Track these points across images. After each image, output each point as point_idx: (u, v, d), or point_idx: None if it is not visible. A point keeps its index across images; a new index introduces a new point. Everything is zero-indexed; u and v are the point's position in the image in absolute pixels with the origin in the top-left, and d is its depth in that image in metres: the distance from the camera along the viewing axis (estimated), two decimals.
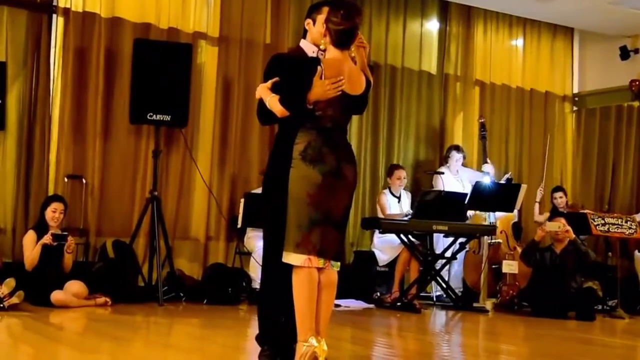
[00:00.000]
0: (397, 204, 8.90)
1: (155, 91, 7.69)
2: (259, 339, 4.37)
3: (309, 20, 4.38)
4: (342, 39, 4.17)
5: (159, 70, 7.70)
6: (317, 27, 4.31)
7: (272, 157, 4.32)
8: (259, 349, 4.32)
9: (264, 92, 4.16)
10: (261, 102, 4.20)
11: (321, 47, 4.22)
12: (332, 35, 4.17)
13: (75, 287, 7.00)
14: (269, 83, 4.17)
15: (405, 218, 8.57)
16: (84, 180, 8.06)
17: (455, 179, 9.30)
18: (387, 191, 9.02)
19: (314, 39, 4.35)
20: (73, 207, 7.95)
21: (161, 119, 7.74)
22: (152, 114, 7.69)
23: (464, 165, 9.56)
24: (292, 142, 4.10)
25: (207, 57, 8.76)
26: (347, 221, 4.31)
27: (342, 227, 4.22)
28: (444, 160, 9.57)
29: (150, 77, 7.69)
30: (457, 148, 9.51)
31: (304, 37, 4.45)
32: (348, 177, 4.16)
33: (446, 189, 8.80)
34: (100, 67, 8.12)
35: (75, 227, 7.93)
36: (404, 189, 9.03)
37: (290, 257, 4.03)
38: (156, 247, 7.62)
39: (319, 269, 4.06)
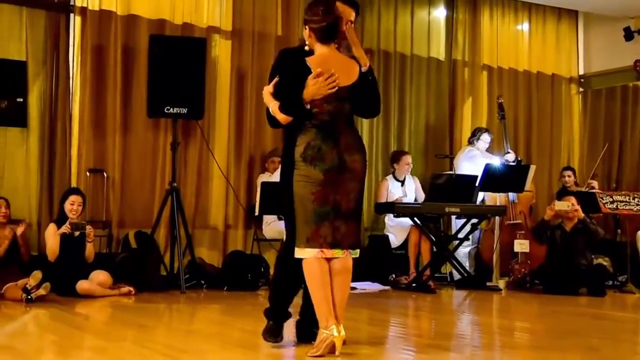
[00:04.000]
0: (399, 187, 9.03)
1: (171, 85, 7.81)
2: (267, 312, 4.60)
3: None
4: (328, 34, 4.27)
5: (175, 64, 7.82)
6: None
7: (283, 161, 4.47)
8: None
9: (267, 99, 4.29)
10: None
11: (306, 48, 4.34)
12: (317, 34, 4.28)
13: (100, 276, 7.13)
14: (271, 87, 4.29)
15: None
16: (105, 174, 8.22)
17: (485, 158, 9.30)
18: (390, 177, 9.16)
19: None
20: (95, 200, 8.15)
21: (178, 112, 7.87)
22: (169, 107, 7.82)
23: (488, 150, 9.60)
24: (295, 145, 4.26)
25: (221, 51, 8.90)
26: (361, 207, 4.41)
27: (356, 216, 4.30)
28: (470, 141, 9.59)
29: (166, 71, 7.81)
30: (488, 131, 9.59)
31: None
32: (354, 168, 4.24)
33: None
34: (118, 64, 8.27)
35: (98, 220, 8.10)
36: (410, 173, 9.18)
37: (302, 252, 4.19)
38: (177, 237, 7.77)
39: (333, 258, 4.21)
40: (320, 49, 4.30)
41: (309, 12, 4.30)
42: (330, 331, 4.08)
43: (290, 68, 4.30)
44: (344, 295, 4.24)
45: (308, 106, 4.21)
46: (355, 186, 4.26)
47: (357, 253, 4.29)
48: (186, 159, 8.59)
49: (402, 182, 9.07)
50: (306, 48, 4.35)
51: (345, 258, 4.23)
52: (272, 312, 4.60)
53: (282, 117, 4.23)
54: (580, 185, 9.95)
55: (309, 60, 4.25)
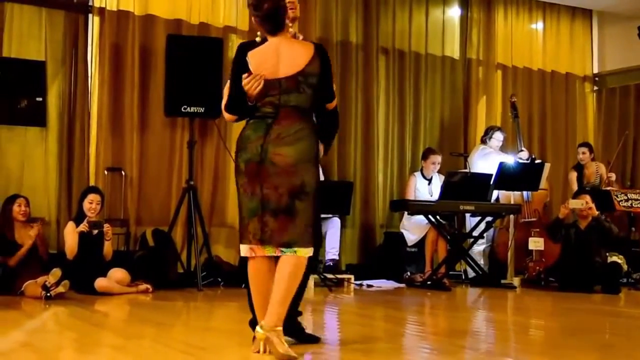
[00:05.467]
0: (426, 186, 9.05)
1: (188, 84, 7.88)
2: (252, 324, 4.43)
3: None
4: (270, 23, 4.10)
5: (192, 64, 7.89)
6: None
7: None
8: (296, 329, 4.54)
9: (224, 97, 4.25)
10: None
11: (257, 39, 4.22)
12: (261, 26, 4.14)
13: (118, 274, 7.21)
14: (227, 87, 4.24)
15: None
16: (123, 173, 8.30)
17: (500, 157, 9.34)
18: (418, 174, 9.19)
19: None
20: (113, 198, 8.23)
21: (195, 111, 7.95)
22: (186, 106, 7.90)
23: (501, 148, 9.63)
24: None
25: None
26: (307, 204, 4.04)
27: (290, 212, 4.01)
28: (483, 140, 9.62)
29: (183, 71, 7.89)
30: (501, 129, 9.62)
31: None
32: (276, 162, 4.02)
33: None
34: (135, 63, 8.35)
35: (116, 218, 8.18)
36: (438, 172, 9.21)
37: (241, 249, 4.14)
38: (194, 235, 7.86)
39: (275, 257, 4.04)
40: (269, 39, 4.14)
41: (250, 5, 4.15)
42: (257, 330, 4.03)
43: (237, 64, 4.20)
44: (277, 294, 3.96)
45: (251, 103, 4.12)
46: (285, 181, 4.01)
47: (299, 252, 3.99)
48: (203, 157, 8.66)
49: (430, 180, 9.10)
50: (257, 39, 4.23)
51: (286, 257, 4.00)
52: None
53: (226, 116, 4.25)
54: (598, 159, 9.95)
55: (249, 56, 4.13)
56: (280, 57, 4.10)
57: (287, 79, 4.08)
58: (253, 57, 4.11)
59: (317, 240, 4.22)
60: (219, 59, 8.07)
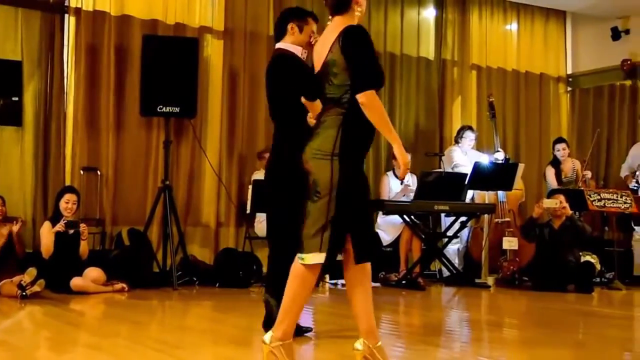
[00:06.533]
0: (399, 185, 9.11)
1: (164, 84, 7.87)
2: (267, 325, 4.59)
3: (294, 25, 4.74)
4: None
5: (167, 64, 7.88)
6: (303, 36, 4.72)
7: None
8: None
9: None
10: None
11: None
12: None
13: (94, 273, 7.21)
14: None
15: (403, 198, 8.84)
16: (98, 172, 8.28)
17: (466, 158, 9.41)
18: (390, 173, 9.25)
19: (298, 42, 4.73)
20: (89, 198, 8.20)
21: (170, 110, 7.94)
22: (161, 106, 7.90)
23: (474, 147, 9.69)
24: None
25: (213, 50, 8.97)
26: (311, 207, 3.73)
27: (302, 215, 3.80)
28: (456, 140, 9.68)
29: (159, 71, 7.88)
30: (471, 128, 9.66)
31: (280, 38, 4.79)
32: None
33: (459, 166, 9.06)
34: (111, 63, 8.33)
35: (92, 217, 8.16)
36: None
37: None
38: (169, 234, 7.87)
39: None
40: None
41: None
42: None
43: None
44: (283, 302, 3.81)
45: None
46: (312, 179, 3.79)
47: (304, 259, 3.71)
48: (178, 157, 8.66)
49: (402, 180, 9.14)
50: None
51: (295, 262, 3.80)
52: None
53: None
54: (572, 156, 10.06)
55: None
56: (318, 46, 3.95)
57: (319, 71, 3.89)
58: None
59: (364, 249, 3.74)
60: (194, 59, 8.07)
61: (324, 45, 3.84)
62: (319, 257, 3.66)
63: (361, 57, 3.72)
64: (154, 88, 7.90)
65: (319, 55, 3.86)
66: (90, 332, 5.23)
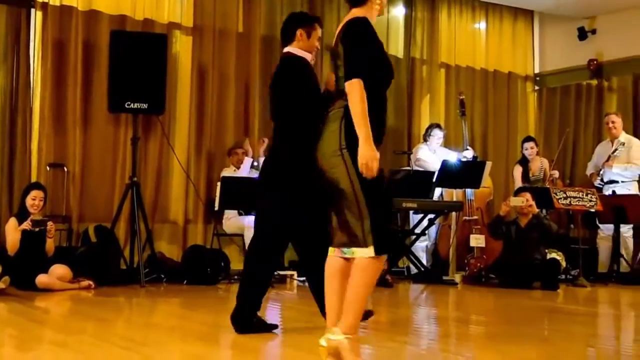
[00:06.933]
0: None
1: (132, 81, 7.84)
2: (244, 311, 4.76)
3: (302, 32, 4.84)
4: None
5: (136, 60, 7.86)
6: (311, 41, 4.84)
7: None
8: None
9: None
10: None
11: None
12: None
13: (59, 270, 7.15)
14: None
15: None
16: (65, 168, 8.24)
17: (435, 157, 9.44)
18: None
19: (307, 48, 4.85)
20: (55, 194, 8.15)
21: (138, 107, 7.91)
22: (129, 102, 7.86)
23: (443, 144, 9.73)
24: None
25: (182, 47, 8.96)
26: (343, 204, 3.69)
27: (336, 212, 3.76)
28: (424, 138, 9.72)
29: (127, 67, 7.85)
30: (439, 126, 9.71)
31: (288, 43, 4.87)
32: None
33: (425, 164, 9.11)
34: (79, 59, 8.30)
35: (58, 214, 8.12)
36: None
37: None
38: (137, 231, 7.83)
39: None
40: None
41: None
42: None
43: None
44: (326, 300, 3.78)
45: None
46: (331, 178, 3.75)
47: (355, 252, 3.64)
48: (146, 154, 8.63)
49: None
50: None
51: (331, 257, 3.76)
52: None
53: None
54: (540, 155, 10.14)
55: None
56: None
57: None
58: None
59: (382, 241, 3.63)
60: (163, 55, 8.05)
61: (336, 36, 3.85)
62: (368, 252, 3.59)
63: (352, 46, 3.71)
64: (122, 84, 7.86)
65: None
66: (56, 330, 5.16)
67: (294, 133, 4.72)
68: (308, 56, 4.87)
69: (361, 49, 3.71)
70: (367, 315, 4.87)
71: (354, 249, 3.62)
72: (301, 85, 4.75)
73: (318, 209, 4.51)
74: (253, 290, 4.80)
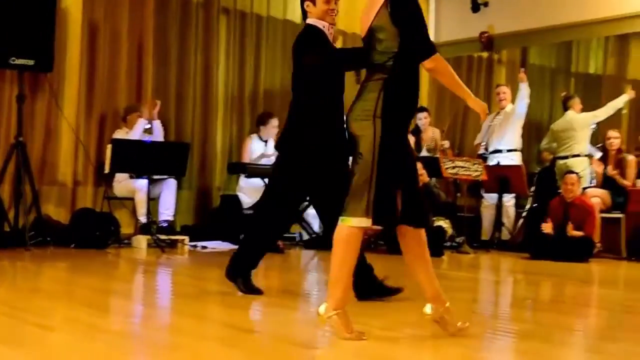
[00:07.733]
0: (263, 147, 9.22)
1: (17, 35, 7.57)
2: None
3: (309, 3, 4.92)
4: None
5: (22, 13, 7.58)
6: (319, 6, 4.89)
7: None
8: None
9: None
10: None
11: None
12: None
13: None
14: None
15: (264, 159, 8.91)
16: None
17: None
18: (254, 136, 9.31)
19: (319, 16, 4.90)
20: None
21: (24, 63, 7.67)
22: (14, 58, 7.62)
23: None
24: None
25: (72, 1, 8.63)
26: (355, 168, 3.74)
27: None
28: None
29: (12, 20, 7.58)
30: None
31: (305, 17, 4.99)
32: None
33: None
34: None
35: None
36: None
37: None
38: (22, 193, 7.63)
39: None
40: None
41: None
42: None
43: None
44: (331, 269, 3.81)
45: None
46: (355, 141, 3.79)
47: (344, 220, 3.70)
48: (33, 113, 8.34)
49: (266, 142, 9.19)
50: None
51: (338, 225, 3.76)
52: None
53: None
54: (432, 125, 10.35)
55: None
56: (365, 12, 3.87)
57: (364, 37, 3.87)
58: None
59: (381, 213, 3.72)
60: (52, 10, 7.82)
61: (370, 11, 3.79)
62: (365, 222, 3.66)
63: (417, 23, 3.73)
64: (6, 39, 7.58)
65: (365, 22, 3.82)
66: None
67: (311, 104, 4.86)
68: (324, 25, 4.90)
69: (425, 27, 3.78)
70: (396, 291, 5.11)
71: (345, 217, 3.68)
72: (316, 55, 4.86)
73: (338, 180, 4.43)
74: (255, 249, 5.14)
